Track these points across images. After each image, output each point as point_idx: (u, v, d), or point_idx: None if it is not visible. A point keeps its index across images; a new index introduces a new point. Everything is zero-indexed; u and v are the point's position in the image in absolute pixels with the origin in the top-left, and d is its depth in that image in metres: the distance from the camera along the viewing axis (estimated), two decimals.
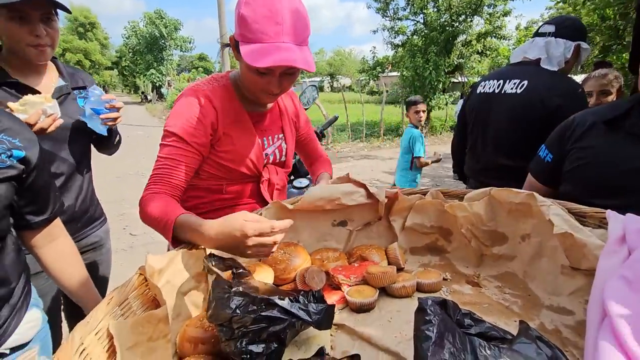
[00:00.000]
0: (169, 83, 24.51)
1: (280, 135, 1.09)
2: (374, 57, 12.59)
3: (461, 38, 10.47)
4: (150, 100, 25.93)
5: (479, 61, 10.89)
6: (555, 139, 1.02)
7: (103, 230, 1.36)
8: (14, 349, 0.79)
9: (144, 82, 26.60)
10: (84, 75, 1.33)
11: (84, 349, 0.50)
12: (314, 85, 2.20)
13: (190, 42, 27.50)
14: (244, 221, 0.66)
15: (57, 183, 1.14)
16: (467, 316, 0.53)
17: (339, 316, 0.74)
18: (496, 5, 10.05)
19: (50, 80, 1.18)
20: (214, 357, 0.61)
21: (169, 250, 1.11)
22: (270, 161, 1.07)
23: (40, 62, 1.12)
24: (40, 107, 0.99)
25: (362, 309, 0.74)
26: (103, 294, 1.33)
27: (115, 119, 1.22)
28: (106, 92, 1.28)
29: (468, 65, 10.69)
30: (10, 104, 0.98)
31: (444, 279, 0.86)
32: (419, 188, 1.01)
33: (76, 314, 1.11)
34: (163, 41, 25.39)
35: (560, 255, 0.74)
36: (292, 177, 2.14)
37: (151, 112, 18.41)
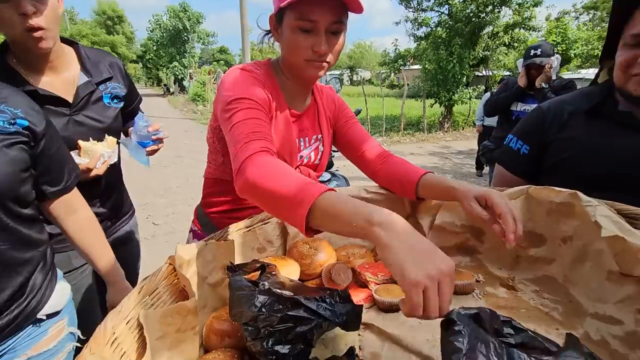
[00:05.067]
0: (190, 76, 24.90)
1: (319, 136, 1.02)
2: (395, 49, 12.35)
3: (487, 30, 10.08)
4: (173, 93, 26.42)
5: (506, 54, 10.47)
6: (532, 130, 1.00)
7: (132, 224, 1.36)
8: (49, 316, 0.84)
9: (166, 74, 27.10)
10: (110, 58, 1.15)
11: (115, 339, 0.50)
12: (337, 77, 2.16)
13: (212, 36, 27.79)
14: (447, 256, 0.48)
15: (95, 185, 1.11)
16: (507, 324, 0.50)
17: (367, 315, 0.72)
18: None
19: (70, 77, 1.03)
20: (240, 352, 0.60)
21: (188, 241, 1.12)
22: (304, 163, 1.01)
23: (42, 50, 0.91)
24: (99, 152, 1.01)
25: (391, 308, 0.72)
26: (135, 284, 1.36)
27: (157, 149, 1.18)
28: None
29: (494, 58, 10.30)
30: (81, 143, 1.00)
31: (477, 281, 0.82)
32: None
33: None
34: (186, 34, 25.73)
35: (606, 260, 0.68)
36: None
37: (173, 104, 18.76)
